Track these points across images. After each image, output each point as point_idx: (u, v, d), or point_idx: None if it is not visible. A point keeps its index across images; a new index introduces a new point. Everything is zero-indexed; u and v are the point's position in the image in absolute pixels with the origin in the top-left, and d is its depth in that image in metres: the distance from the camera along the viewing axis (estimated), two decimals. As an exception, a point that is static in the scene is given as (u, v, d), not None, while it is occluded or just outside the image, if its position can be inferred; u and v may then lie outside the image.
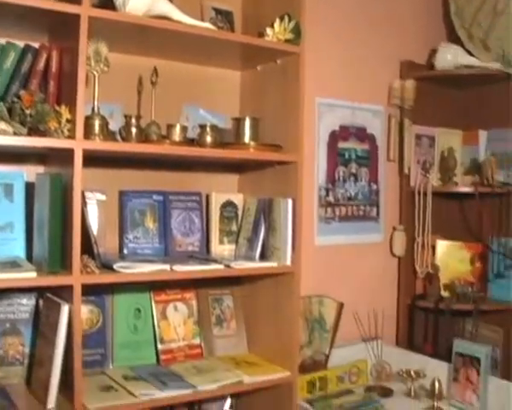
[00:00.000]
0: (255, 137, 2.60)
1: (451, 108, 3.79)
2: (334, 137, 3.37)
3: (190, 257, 2.59)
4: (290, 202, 2.54)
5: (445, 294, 3.52)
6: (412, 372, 3.09)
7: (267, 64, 2.74)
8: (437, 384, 2.89)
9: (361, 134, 3.49)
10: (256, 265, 2.57)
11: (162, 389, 2.28)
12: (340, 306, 3.09)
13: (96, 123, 2.16)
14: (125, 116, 2.32)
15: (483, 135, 3.69)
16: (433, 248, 3.59)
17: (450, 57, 3.46)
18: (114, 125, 2.39)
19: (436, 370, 3.05)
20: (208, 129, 2.45)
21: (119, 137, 2.36)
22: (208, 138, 2.44)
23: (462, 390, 2.92)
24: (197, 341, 2.72)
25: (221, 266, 2.43)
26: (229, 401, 2.83)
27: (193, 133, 2.58)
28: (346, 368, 3.15)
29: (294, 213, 2.55)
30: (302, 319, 3.03)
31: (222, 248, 2.77)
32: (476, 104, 3.75)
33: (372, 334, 3.39)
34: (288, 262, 2.55)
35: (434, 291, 3.52)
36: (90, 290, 2.36)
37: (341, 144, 3.40)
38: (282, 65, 2.65)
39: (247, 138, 2.59)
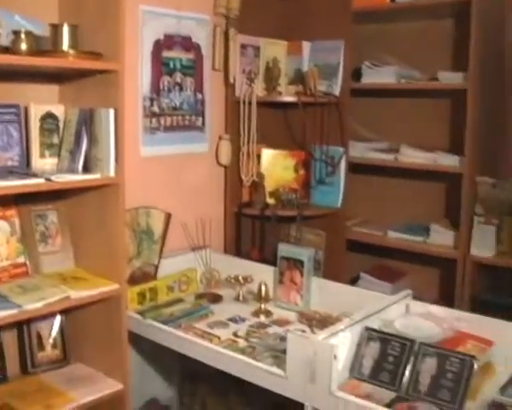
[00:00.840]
0: (74, 44, 2.48)
1: (277, 19, 3.82)
2: (159, 46, 3.29)
3: (10, 172, 2.46)
4: (112, 112, 2.48)
5: (270, 201, 3.63)
6: (240, 278, 3.18)
7: (84, -33, 2.61)
8: (263, 288, 3.00)
9: (186, 43, 3.44)
10: (79, 177, 2.50)
11: (-15, 312, 2.21)
12: (168, 216, 3.11)
13: None
14: None
15: (307, 46, 3.78)
16: (259, 156, 3.66)
17: (274, -33, 3.48)
18: None
19: (263, 274, 3.15)
20: (23, 35, 2.30)
21: None
22: (23, 46, 2.30)
23: (287, 292, 3.06)
24: (22, 259, 2.63)
25: (42, 181, 2.34)
26: (58, 318, 2.80)
27: (7, 41, 2.42)
28: (175, 277, 3.19)
29: (117, 124, 2.49)
30: (130, 231, 3.02)
31: (43, 162, 2.66)
32: (301, 15, 3.81)
33: (200, 243, 3.44)
34: (112, 173, 2.51)
35: (260, 199, 3.62)
36: None
37: (166, 53, 3.33)
38: (100, -32, 2.54)
39: (65, 46, 2.46)
